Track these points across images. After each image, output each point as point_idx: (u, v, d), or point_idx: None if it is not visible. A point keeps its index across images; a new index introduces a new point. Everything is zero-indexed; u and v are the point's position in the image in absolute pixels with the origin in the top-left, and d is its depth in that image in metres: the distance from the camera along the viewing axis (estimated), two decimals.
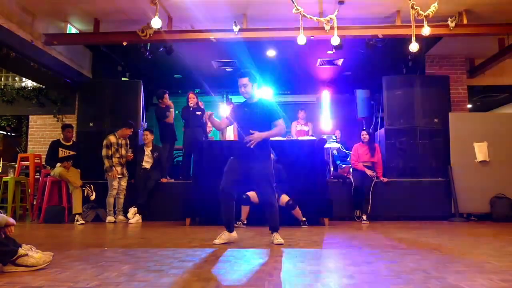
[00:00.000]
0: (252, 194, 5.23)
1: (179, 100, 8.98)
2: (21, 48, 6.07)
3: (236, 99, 10.98)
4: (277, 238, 3.72)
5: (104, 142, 6.34)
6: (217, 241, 3.71)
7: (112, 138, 6.39)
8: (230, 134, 7.88)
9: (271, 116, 3.82)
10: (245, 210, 5.43)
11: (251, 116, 3.80)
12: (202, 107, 7.37)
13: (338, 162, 8.15)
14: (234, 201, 3.84)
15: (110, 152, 6.30)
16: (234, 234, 3.82)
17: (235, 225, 4.05)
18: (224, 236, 3.75)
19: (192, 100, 7.10)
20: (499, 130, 6.72)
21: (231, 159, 3.84)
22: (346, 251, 3.35)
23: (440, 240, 3.98)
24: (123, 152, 6.48)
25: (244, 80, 3.79)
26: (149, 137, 6.65)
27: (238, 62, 8.51)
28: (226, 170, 3.79)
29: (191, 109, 7.02)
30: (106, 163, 6.26)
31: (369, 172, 6.32)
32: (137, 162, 6.55)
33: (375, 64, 8.32)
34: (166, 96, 7.23)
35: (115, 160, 6.32)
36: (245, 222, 5.43)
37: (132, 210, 6.18)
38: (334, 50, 6.79)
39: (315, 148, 6.21)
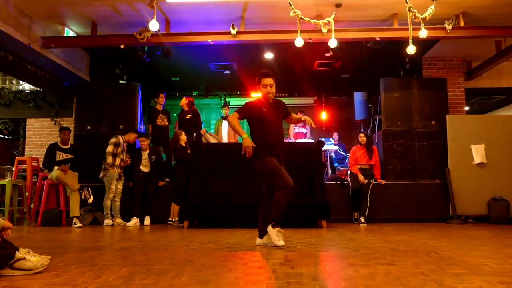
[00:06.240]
0: None
1: (176, 102, 8.98)
2: (18, 51, 6.08)
3: (234, 101, 11.00)
4: (273, 239, 3.66)
5: (114, 140, 6.36)
6: (261, 242, 3.79)
7: (121, 139, 6.44)
8: (225, 133, 7.91)
9: (285, 113, 3.97)
10: None
11: (274, 117, 3.82)
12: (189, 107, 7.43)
13: (336, 164, 8.16)
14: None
15: (116, 151, 6.31)
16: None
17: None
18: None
19: (183, 103, 7.33)
20: (496, 133, 6.73)
21: (270, 159, 3.69)
22: (344, 253, 3.34)
23: (437, 242, 3.99)
24: (124, 156, 6.50)
25: (270, 80, 3.75)
26: (146, 142, 6.64)
27: (235, 65, 8.51)
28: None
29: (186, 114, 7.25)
30: (109, 159, 6.25)
31: (361, 178, 6.27)
32: (134, 167, 6.52)
33: (373, 67, 8.34)
34: (162, 96, 7.25)
35: (118, 160, 6.33)
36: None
37: (148, 219, 6.26)
38: (331, 53, 6.82)
39: (313, 150, 6.22)
